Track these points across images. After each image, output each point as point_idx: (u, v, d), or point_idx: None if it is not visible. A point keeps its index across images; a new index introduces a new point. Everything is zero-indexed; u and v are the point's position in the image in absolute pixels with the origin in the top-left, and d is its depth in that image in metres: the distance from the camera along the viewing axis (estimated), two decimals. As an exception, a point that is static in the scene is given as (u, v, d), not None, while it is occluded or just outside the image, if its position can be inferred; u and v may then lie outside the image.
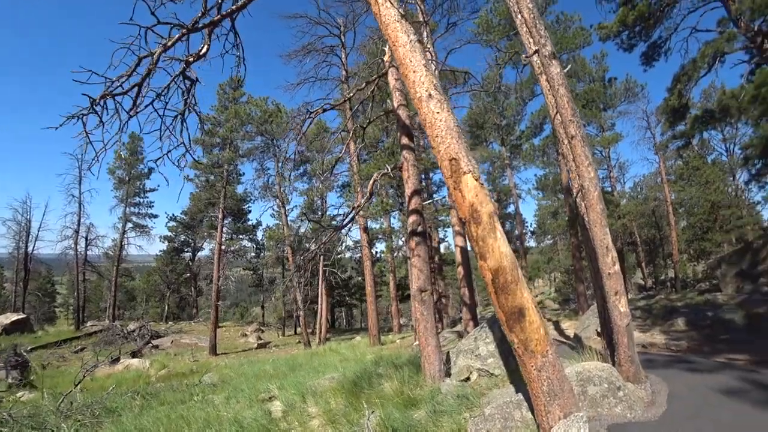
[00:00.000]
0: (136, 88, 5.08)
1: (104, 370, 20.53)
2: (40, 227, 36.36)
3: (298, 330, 37.42)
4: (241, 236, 41.42)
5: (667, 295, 18.52)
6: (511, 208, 31.53)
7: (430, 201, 9.39)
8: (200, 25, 5.41)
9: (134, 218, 41.76)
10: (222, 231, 31.05)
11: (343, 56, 22.06)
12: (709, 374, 5.44)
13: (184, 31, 5.28)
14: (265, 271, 44.94)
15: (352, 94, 8.74)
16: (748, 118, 15.42)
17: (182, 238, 47.18)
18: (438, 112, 3.38)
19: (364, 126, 8.56)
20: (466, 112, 27.36)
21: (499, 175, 29.70)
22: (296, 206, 37.91)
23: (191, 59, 5.75)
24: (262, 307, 48.37)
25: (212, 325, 28.53)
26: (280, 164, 28.83)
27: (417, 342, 9.48)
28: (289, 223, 29.45)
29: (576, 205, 6.32)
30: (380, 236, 29.33)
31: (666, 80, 17.17)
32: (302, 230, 32.92)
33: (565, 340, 13.04)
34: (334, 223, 34.62)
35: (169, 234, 45.72)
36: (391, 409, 5.95)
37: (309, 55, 20.52)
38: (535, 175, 30.13)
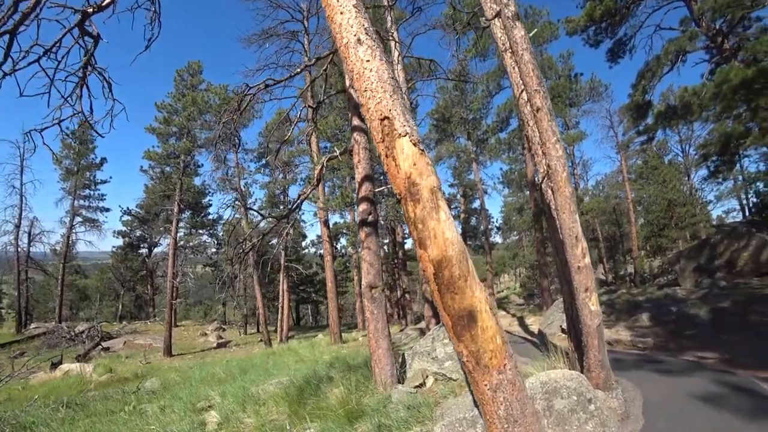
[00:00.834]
0: (7, 37, 4.03)
1: (41, 377, 18.92)
2: (-25, 222, 33.31)
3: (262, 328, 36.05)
4: (200, 231, 39.45)
5: (629, 290, 18.65)
6: (476, 204, 31.32)
7: (384, 188, 8.72)
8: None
9: (84, 212, 38.98)
10: (178, 225, 29.34)
11: (306, 43, 21.00)
12: (683, 377, 4.99)
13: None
14: (227, 268, 43.08)
15: (299, 71, 7.86)
16: (709, 115, 15.56)
17: (138, 233, 44.54)
18: (368, 61, 2.62)
19: (314, 107, 7.71)
20: (432, 106, 26.88)
21: (465, 169, 29.39)
22: (258, 199, 36.45)
23: (91, 10, 4.74)
24: (224, 304, 46.48)
25: (167, 324, 26.92)
26: (239, 155, 27.41)
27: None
28: (249, 217, 28.09)
29: (541, 194, 5.72)
30: (344, 231, 28.41)
31: (630, 80, 17.32)
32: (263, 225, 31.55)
33: (529, 337, 12.68)
34: (295, 216, 33.44)
35: (124, 229, 43.00)
36: (330, 424, 5.20)
37: (269, 39, 19.37)
38: (501, 169, 30.11)
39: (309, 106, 8.06)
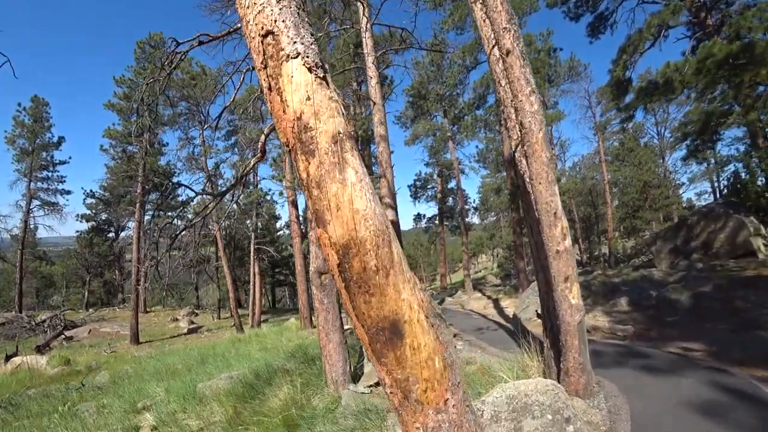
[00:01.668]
0: None
1: (-11, 371, 17.68)
2: None
3: (235, 313, 35.05)
4: (169, 213, 37.69)
5: (604, 271, 18.44)
6: (453, 183, 30.61)
7: None
8: None
9: (42, 195, 36.67)
10: (144, 208, 27.84)
11: None
12: (673, 377, 4.34)
13: None
14: (199, 251, 41.60)
15: (239, 25, 6.77)
16: (690, 92, 15.06)
17: (103, 216, 42.42)
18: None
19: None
20: (409, 82, 25.80)
21: (442, 148, 28.58)
22: (228, 179, 34.90)
23: None
24: (196, 289, 45.17)
25: (133, 311, 25.83)
26: (205, 132, 25.89)
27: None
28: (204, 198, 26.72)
29: (515, 166, 4.92)
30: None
31: (610, 58, 16.63)
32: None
33: (503, 322, 12.15)
34: (268, 197, 32.16)
35: (88, 212, 40.81)
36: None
37: (231, 8, 17.82)
38: (477, 147, 29.39)
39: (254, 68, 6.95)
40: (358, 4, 11.17)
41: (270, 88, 1.70)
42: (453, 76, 22.37)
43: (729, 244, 13.04)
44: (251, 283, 27.59)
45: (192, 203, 34.35)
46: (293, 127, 1.68)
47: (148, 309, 36.80)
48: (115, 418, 7.25)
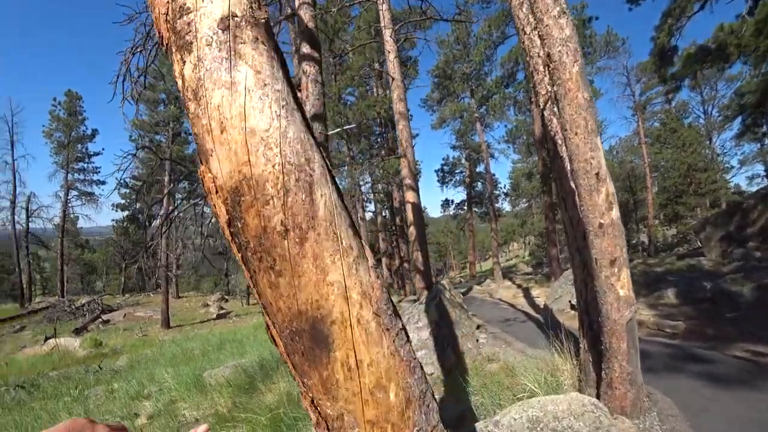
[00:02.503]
0: None
1: (27, 352, 18.43)
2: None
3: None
4: (199, 201, 38.27)
5: (644, 260, 17.09)
6: (481, 167, 29.31)
7: (338, 130, 7.13)
8: None
9: (78, 185, 38.06)
10: (172, 196, 28.29)
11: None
12: (747, 390, 3.44)
13: None
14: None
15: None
16: (750, 56, 13.36)
17: (138, 205, 43.75)
18: None
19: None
20: (434, 63, 24.71)
21: (470, 130, 27.29)
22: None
23: None
24: (226, 275, 46.07)
25: (163, 296, 26.52)
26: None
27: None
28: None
29: (544, 125, 4.08)
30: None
31: (651, 26, 14.86)
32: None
33: (533, 313, 11.26)
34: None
35: (123, 201, 42.19)
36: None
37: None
38: (506, 127, 27.78)
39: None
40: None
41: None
42: (479, 52, 21.09)
43: (793, 230, 11.56)
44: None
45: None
46: (167, 12, 1.00)
47: (180, 295, 37.86)
48: (120, 403, 7.06)
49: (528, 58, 4.07)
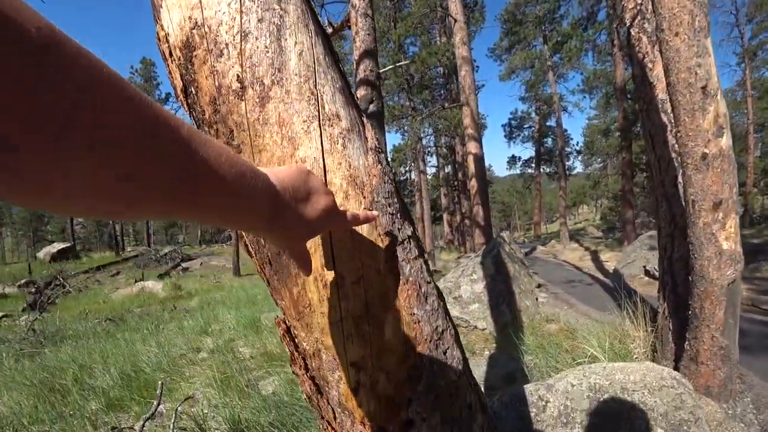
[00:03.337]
0: None
1: (121, 293, 20.75)
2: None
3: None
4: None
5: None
6: (552, 122, 27.05)
7: (392, 67, 6.59)
8: None
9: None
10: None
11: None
12: None
13: None
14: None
15: None
16: None
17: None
18: None
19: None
20: (502, 6, 22.58)
21: (541, 80, 24.98)
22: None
23: None
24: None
25: (234, 247, 28.52)
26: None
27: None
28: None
29: (632, 47, 3.36)
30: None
31: None
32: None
33: (601, 277, 10.43)
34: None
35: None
36: (285, 378, 3.94)
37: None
38: (582, 75, 24.87)
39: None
40: None
41: None
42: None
43: None
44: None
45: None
46: None
47: (249, 246, 40.63)
48: (186, 338, 7.62)
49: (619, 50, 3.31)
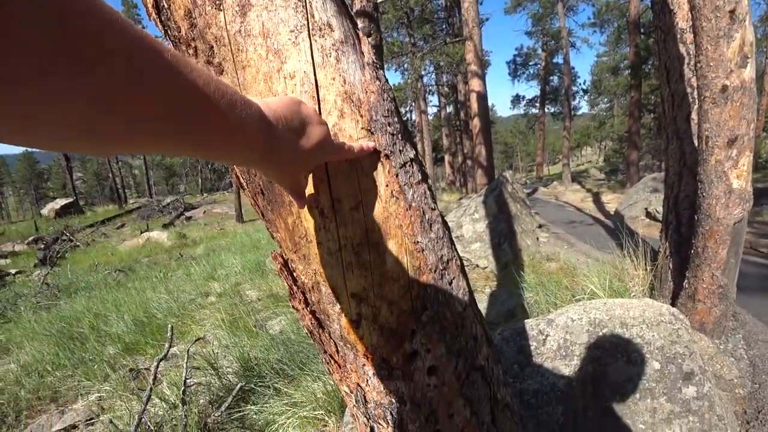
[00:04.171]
0: None
1: (127, 244, 21.09)
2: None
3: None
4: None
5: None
6: (559, 59, 25.87)
7: None
8: None
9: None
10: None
11: None
12: None
13: None
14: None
15: None
16: None
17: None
18: None
19: None
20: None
21: (549, 13, 23.55)
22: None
23: None
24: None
25: (236, 194, 28.59)
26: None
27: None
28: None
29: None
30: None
31: None
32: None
33: (602, 218, 10.46)
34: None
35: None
36: (291, 318, 4.08)
37: None
38: (593, 7, 23.34)
39: None
40: None
41: None
42: None
43: None
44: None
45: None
46: None
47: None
48: (194, 284, 7.85)
49: None
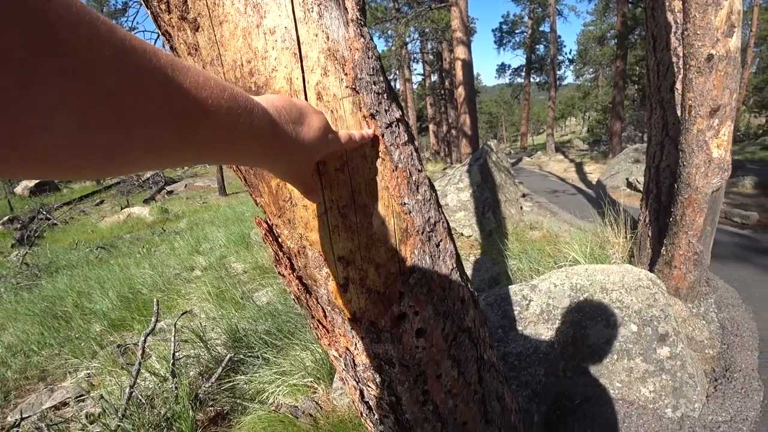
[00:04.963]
0: None
1: (108, 220, 20.65)
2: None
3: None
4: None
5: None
6: (546, 27, 25.50)
7: None
8: None
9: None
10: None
11: None
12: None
13: None
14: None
15: None
16: None
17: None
18: None
19: None
20: None
21: (536, -21, 23.07)
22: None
23: None
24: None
25: (218, 166, 28.03)
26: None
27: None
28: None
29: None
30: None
31: None
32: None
33: (584, 188, 10.62)
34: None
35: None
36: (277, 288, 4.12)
37: None
38: None
39: None
40: None
41: None
42: None
43: None
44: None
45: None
46: None
47: (234, 166, 40.17)
48: (179, 259, 7.77)
49: None
